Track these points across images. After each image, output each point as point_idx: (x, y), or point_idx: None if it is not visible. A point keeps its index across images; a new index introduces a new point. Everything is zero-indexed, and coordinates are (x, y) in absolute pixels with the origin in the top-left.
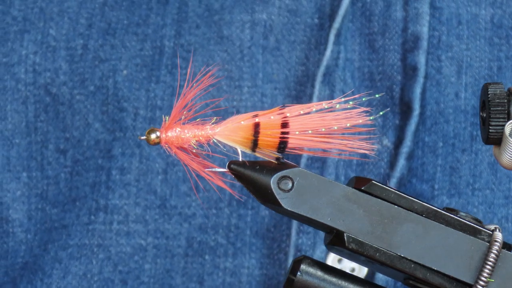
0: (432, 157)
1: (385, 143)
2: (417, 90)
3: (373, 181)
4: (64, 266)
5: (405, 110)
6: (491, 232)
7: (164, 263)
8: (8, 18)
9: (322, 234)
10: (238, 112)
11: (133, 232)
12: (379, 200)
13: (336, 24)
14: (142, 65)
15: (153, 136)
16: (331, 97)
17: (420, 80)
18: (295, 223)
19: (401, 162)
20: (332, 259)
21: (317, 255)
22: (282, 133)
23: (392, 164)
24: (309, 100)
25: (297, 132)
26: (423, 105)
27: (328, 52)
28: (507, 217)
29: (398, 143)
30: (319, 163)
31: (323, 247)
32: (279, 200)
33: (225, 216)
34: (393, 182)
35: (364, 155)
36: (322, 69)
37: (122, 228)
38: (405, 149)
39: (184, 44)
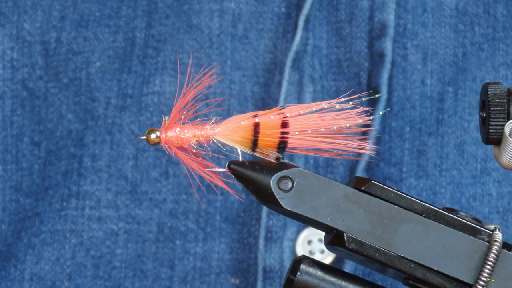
0: (399, 142)
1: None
2: (384, 75)
3: (373, 181)
4: (37, 252)
5: (372, 95)
6: (491, 232)
7: (136, 248)
8: None
9: None
10: (207, 97)
11: (104, 217)
12: (379, 200)
13: (305, 11)
14: (114, 57)
15: (153, 136)
16: (300, 82)
17: (387, 66)
18: (265, 207)
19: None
20: (302, 241)
21: (288, 236)
22: (282, 133)
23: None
24: (278, 86)
25: (297, 132)
26: (390, 91)
27: (297, 38)
28: (475, 196)
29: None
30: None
31: (294, 228)
32: (279, 200)
33: (195, 202)
34: (360, 167)
35: (364, 155)
36: (291, 54)
37: (94, 214)
38: (372, 132)
39: (155, 34)
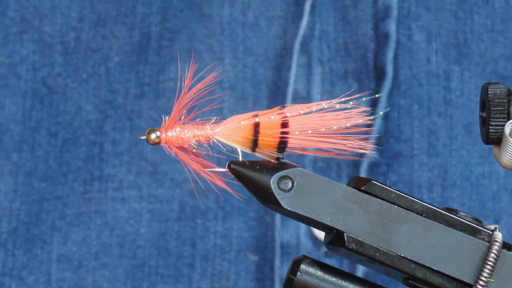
0: (408, 119)
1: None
2: (390, 54)
3: (373, 181)
4: (64, 234)
5: (379, 74)
6: (491, 232)
7: (159, 226)
8: (6, 20)
9: None
10: (221, 81)
11: (127, 197)
12: (379, 200)
13: None
14: (131, 51)
15: (153, 136)
16: (309, 65)
17: (392, 45)
18: None
19: (378, 122)
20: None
21: None
22: (282, 133)
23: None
24: (288, 70)
25: (297, 132)
26: (396, 70)
27: (304, 23)
28: (484, 174)
29: (374, 105)
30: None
31: None
32: (279, 200)
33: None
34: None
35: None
36: (299, 39)
37: (117, 195)
38: (380, 109)
39: (170, 27)
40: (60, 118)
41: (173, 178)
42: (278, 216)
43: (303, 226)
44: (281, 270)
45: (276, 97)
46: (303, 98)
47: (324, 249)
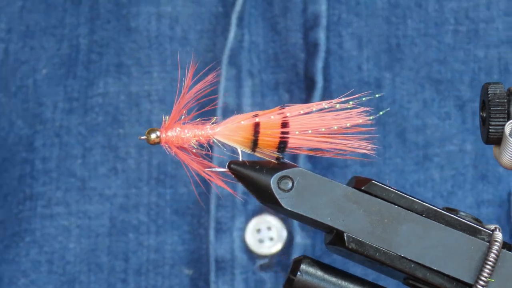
0: None
1: None
2: (319, 64)
3: (373, 181)
4: None
5: (310, 84)
6: (491, 232)
7: (89, 242)
8: None
9: (241, 207)
10: (149, 95)
11: (55, 214)
12: (379, 200)
13: (238, 7)
14: (60, 64)
15: (153, 136)
16: (238, 77)
17: (321, 54)
18: (213, 198)
19: None
20: (251, 230)
21: (237, 226)
22: (282, 133)
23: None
24: (217, 83)
25: (297, 132)
26: (328, 79)
27: (231, 35)
28: (418, 181)
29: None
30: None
31: (242, 218)
32: (279, 200)
33: (145, 195)
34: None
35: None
36: (227, 52)
37: (45, 211)
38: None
39: (98, 39)
40: None
41: (102, 193)
42: (211, 230)
43: (237, 240)
44: (216, 285)
45: (206, 110)
46: (233, 111)
47: (259, 262)
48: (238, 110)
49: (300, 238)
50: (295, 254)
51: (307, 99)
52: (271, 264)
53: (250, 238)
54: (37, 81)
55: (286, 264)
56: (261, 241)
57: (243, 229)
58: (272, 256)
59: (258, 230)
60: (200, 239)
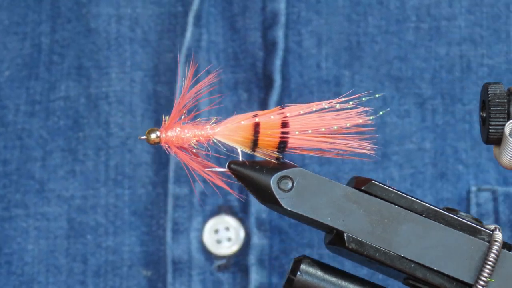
0: None
1: None
2: (277, 62)
3: (373, 181)
4: None
5: (269, 83)
6: (491, 232)
7: (47, 244)
8: None
9: (198, 207)
10: (107, 96)
11: (14, 216)
12: (379, 200)
13: (195, 7)
14: (22, 65)
15: (153, 136)
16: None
17: (279, 53)
18: (171, 198)
19: None
20: (208, 230)
21: (194, 227)
22: (282, 133)
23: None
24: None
25: (297, 132)
26: (287, 78)
27: (188, 35)
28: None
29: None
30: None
31: (200, 219)
32: (279, 200)
33: (102, 196)
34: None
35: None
36: (183, 51)
37: (4, 214)
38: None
39: (59, 39)
40: None
41: (60, 195)
42: (169, 231)
43: (194, 241)
44: (173, 286)
45: (167, 111)
46: (191, 110)
47: (217, 263)
48: (196, 110)
49: (257, 239)
50: (253, 255)
51: (266, 98)
52: (229, 265)
53: (208, 239)
54: (0, 83)
55: (243, 264)
56: (219, 241)
57: (200, 230)
58: (229, 257)
59: (216, 231)
60: (158, 240)
